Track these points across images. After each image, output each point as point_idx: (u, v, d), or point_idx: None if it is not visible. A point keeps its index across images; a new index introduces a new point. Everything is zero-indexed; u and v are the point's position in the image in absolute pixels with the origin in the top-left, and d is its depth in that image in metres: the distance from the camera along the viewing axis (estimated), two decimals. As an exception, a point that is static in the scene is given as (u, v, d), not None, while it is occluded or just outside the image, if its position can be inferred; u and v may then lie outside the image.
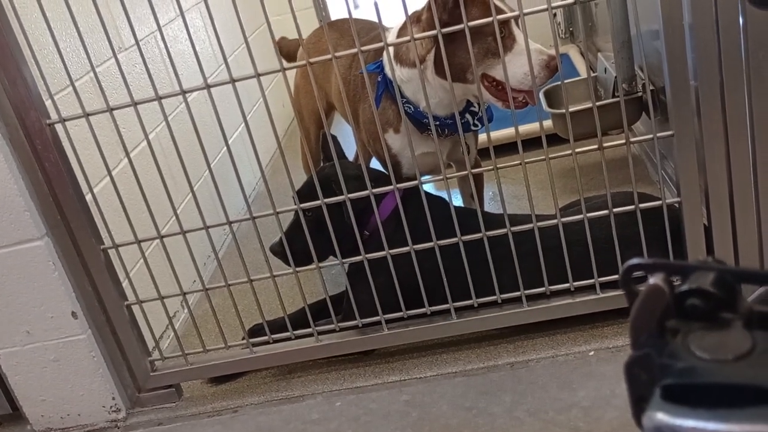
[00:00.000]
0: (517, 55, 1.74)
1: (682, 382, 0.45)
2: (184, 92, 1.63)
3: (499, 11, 1.68)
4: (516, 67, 1.74)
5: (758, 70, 1.49)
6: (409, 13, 1.69)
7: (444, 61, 1.63)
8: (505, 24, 1.73)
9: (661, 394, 0.45)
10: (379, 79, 1.92)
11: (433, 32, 1.58)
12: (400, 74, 1.88)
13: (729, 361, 0.45)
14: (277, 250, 1.91)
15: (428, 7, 1.74)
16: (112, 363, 1.90)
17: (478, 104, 1.98)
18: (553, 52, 1.70)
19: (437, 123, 1.91)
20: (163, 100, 1.64)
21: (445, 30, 1.58)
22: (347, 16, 1.62)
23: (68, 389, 1.90)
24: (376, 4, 1.59)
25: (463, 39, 1.61)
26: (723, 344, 0.46)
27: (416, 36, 1.63)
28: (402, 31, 1.88)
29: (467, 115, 1.96)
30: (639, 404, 0.47)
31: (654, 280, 0.49)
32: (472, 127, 1.99)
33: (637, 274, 0.52)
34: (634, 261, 0.52)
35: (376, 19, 1.63)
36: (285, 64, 1.65)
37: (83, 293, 1.82)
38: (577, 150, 1.64)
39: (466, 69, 1.77)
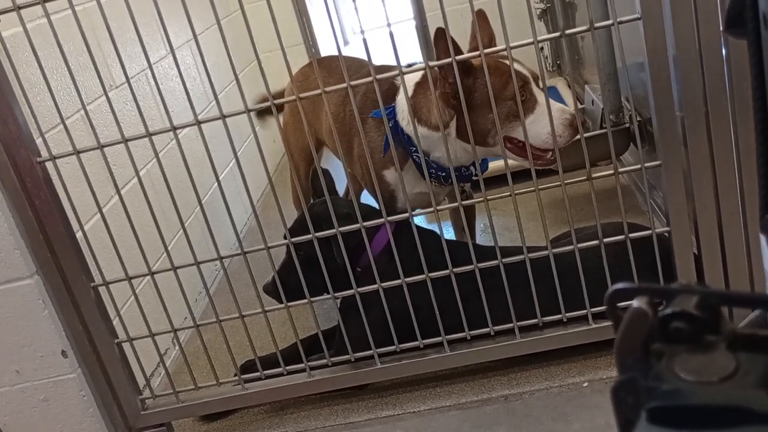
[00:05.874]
0: (540, 115, 1.78)
1: (667, 405, 0.45)
2: (174, 128, 1.64)
3: (519, 74, 1.73)
4: (540, 128, 1.78)
5: (742, 100, 1.51)
6: (400, 58, 1.70)
7: (468, 128, 1.67)
8: (525, 86, 1.77)
9: (647, 417, 0.45)
10: (391, 125, 1.92)
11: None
12: (419, 131, 1.89)
13: (714, 383, 0.45)
14: (271, 290, 1.91)
15: (438, 78, 1.78)
16: (102, 402, 1.87)
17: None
18: (573, 110, 1.76)
19: (443, 174, 1.95)
20: (153, 137, 1.64)
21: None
22: (336, 52, 1.64)
23: (58, 429, 1.88)
24: (365, 41, 1.61)
25: (482, 106, 1.67)
26: (707, 366, 0.46)
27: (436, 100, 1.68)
28: (418, 88, 1.91)
29: (471, 167, 1.98)
30: (626, 428, 0.47)
31: (638, 303, 0.49)
32: (473, 177, 2.02)
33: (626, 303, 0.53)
34: (619, 286, 0.52)
35: (365, 56, 1.64)
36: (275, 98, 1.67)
37: (73, 331, 1.80)
38: (567, 181, 1.65)
39: (487, 133, 1.81)
